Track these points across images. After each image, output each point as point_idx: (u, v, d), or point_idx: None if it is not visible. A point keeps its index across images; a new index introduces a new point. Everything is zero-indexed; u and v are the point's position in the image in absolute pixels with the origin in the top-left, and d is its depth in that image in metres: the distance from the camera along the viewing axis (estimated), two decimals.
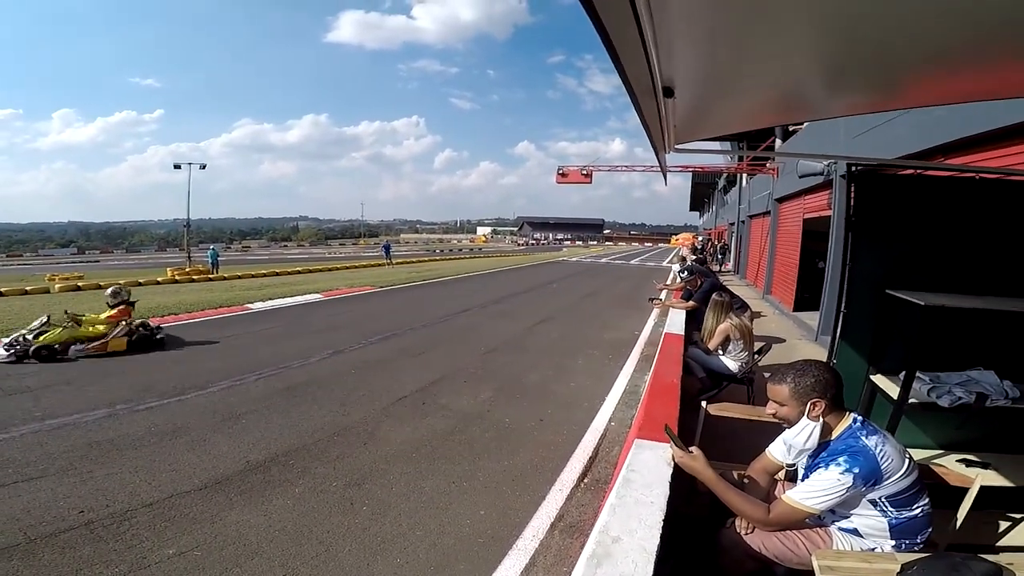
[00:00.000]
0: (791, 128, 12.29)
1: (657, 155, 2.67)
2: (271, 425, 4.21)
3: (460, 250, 63.46)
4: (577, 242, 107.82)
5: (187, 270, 21.57)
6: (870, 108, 2.76)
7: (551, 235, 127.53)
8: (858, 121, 6.70)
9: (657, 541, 1.27)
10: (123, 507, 2.92)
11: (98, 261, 43.36)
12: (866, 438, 1.76)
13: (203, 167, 31.13)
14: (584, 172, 28.30)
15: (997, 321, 2.58)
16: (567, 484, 3.35)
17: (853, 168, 3.01)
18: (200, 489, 3.16)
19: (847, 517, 1.83)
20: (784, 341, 8.02)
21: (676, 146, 2.77)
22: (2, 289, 14.19)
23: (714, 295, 4.86)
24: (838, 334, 3.13)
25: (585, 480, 3.42)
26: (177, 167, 29.87)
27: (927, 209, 2.99)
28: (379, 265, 26.95)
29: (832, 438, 1.83)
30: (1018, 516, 2.32)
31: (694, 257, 13.57)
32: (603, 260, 34.55)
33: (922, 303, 2.45)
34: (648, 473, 1.70)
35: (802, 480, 1.89)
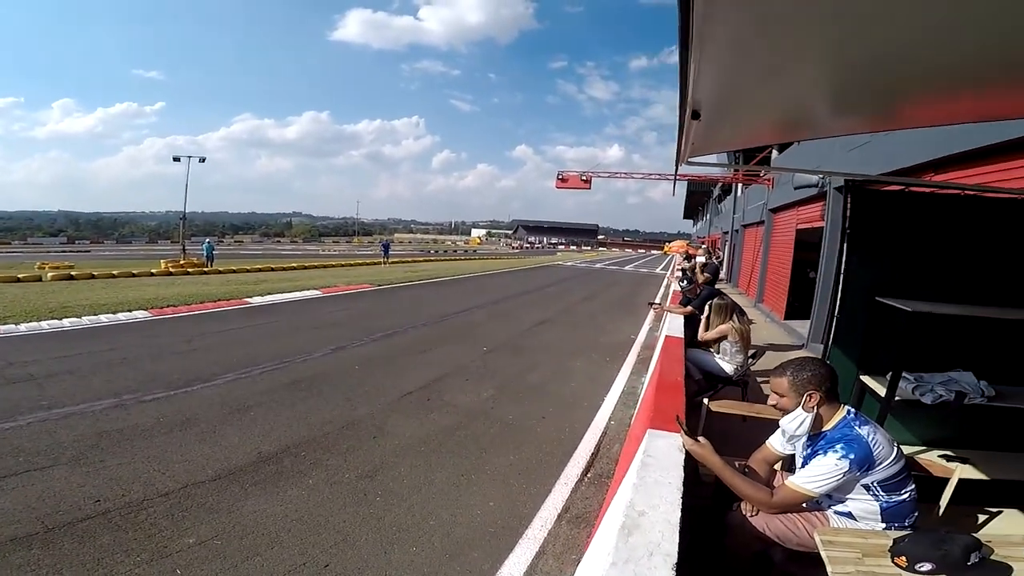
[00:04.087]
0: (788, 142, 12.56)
1: (676, 168, 2.83)
2: (280, 418, 4.30)
3: (454, 251, 63.53)
4: (571, 247, 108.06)
5: (181, 262, 21.46)
6: (869, 128, 2.94)
7: (545, 239, 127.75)
8: (852, 136, 6.92)
9: (679, 515, 1.41)
10: (139, 496, 2.96)
11: (88, 251, 42.88)
12: (859, 427, 1.93)
13: (202, 160, 30.75)
14: (584, 178, 28.57)
15: (975, 326, 2.78)
16: (571, 478, 3.49)
17: (850, 182, 3.19)
18: (214, 479, 3.22)
19: (843, 501, 1.99)
20: (775, 347, 8.23)
21: (689, 159, 2.94)
22: None
23: (716, 299, 5.03)
24: (831, 338, 3.32)
25: (588, 475, 3.56)
26: (176, 160, 29.53)
27: (915, 222, 3.20)
28: (375, 263, 26.99)
29: (829, 428, 2.00)
30: (994, 509, 2.50)
31: (703, 263, 13.12)
32: (597, 265, 34.76)
33: (908, 309, 2.64)
34: (663, 458, 1.85)
35: (802, 467, 2.05)
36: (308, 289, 13.26)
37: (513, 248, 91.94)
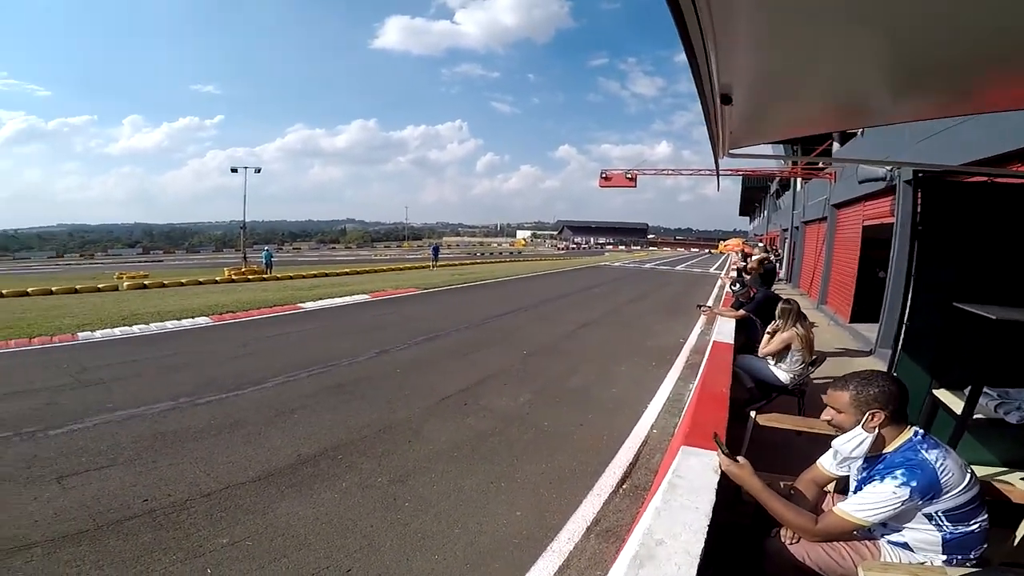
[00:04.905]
0: (848, 130, 11.77)
1: (716, 161, 2.65)
2: (321, 420, 4.38)
3: (500, 253, 63.86)
4: (620, 247, 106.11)
5: (243, 270, 22.57)
6: (939, 113, 2.63)
7: (592, 239, 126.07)
8: (924, 124, 6.32)
9: (701, 546, 1.26)
10: (183, 497, 3.08)
11: (161, 260, 46.11)
12: (926, 452, 1.69)
13: (258, 171, 32.44)
14: (628, 176, 27.88)
15: None
16: (605, 489, 3.33)
17: (920, 174, 2.86)
18: (254, 481, 3.31)
19: (899, 530, 1.76)
20: (839, 354, 7.67)
21: (731, 151, 2.74)
22: (78, 286, 15.25)
23: (782, 302, 4.66)
24: (900, 347, 2.99)
25: (624, 486, 3.40)
26: (234, 171, 31.28)
27: (999, 218, 2.82)
28: (423, 267, 27.51)
29: (890, 450, 1.77)
30: None
31: (764, 256, 12.01)
32: (647, 265, 34.00)
33: (993, 316, 2.32)
34: (695, 479, 1.68)
35: (854, 492, 1.83)
36: (358, 294, 13.61)
37: (559, 249, 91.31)
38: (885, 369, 3.16)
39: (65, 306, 11.21)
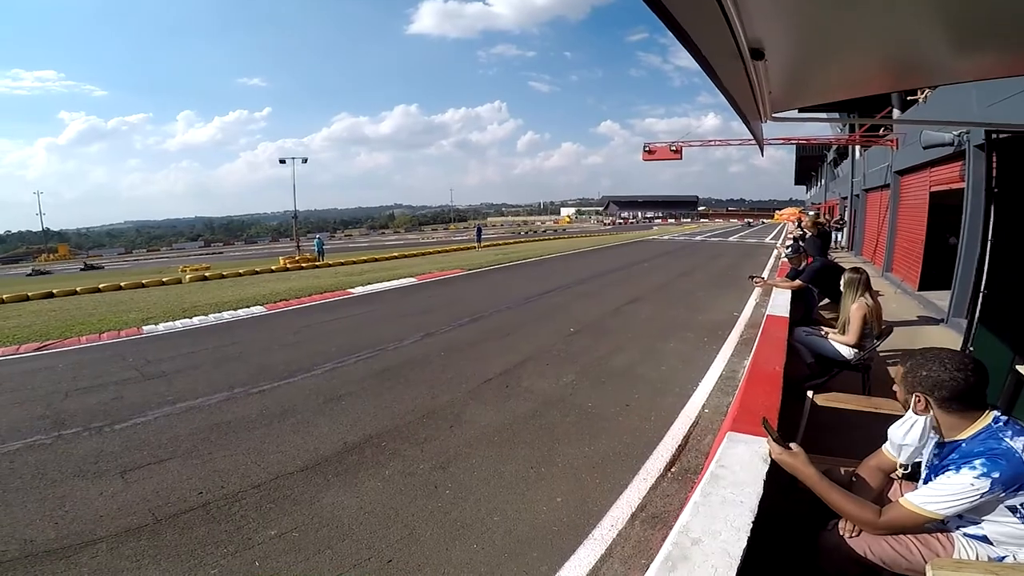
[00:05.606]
0: (909, 97, 10.83)
1: (748, 125, 2.41)
2: (367, 407, 4.44)
3: (544, 231, 63.34)
4: (669, 220, 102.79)
5: (296, 258, 23.40)
6: (1008, 71, 2.28)
7: (639, 213, 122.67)
8: (996, 87, 5.58)
9: (744, 545, 1.15)
10: (235, 488, 3.15)
11: (222, 252, 48.48)
12: (1011, 439, 1.49)
13: (304, 161, 33.53)
14: (673, 148, 26.89)
15: None
16: (652, 473, 3.21)
17: (994, 135, 2.54)
18: (302, 470, 3.36)
19: (976, 523, 1.57)
20: (907, 324, 7.14)
21: (774, 115, 2.50)
22: (144, 281, 16.22)
23: (849, 271, 4.31)
24: (976, 318, 2.70)
25: (672, 469, 3.27)
26: (283, 162, 32.47)
27: None
28: (468, 248, 27.66)
29: (965, 437, 1.58)
30: None
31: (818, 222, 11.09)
32: (697, 238, 32.86)
33: None
34: (740, 470, 1.56)
35: (925, 482, 1.65)
36: (405, 277, 13.82)
37: (605, 224, 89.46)
38: (961, 341, 2.88)
39: (132, 300, 11.88)
